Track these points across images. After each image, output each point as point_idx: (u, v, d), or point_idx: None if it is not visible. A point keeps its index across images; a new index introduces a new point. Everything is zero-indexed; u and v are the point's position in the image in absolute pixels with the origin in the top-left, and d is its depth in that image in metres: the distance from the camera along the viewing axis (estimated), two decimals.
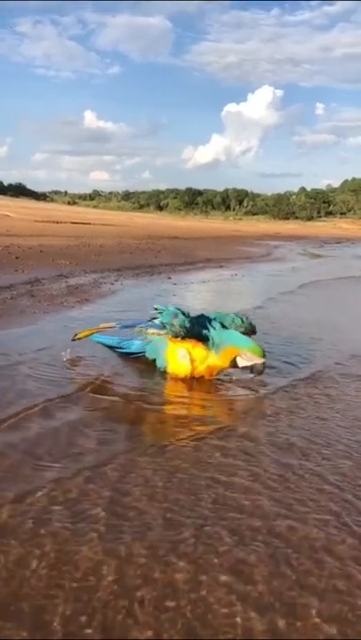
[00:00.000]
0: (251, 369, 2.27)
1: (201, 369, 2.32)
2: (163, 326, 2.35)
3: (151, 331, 2.39)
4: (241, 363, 2.26)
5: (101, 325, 2.67)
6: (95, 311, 3.87)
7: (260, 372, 2.28)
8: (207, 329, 2.34)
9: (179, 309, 2.41)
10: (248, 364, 2.25)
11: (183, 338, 2.31)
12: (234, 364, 2.28)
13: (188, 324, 2.31)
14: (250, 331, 2.44)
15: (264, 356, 2.24)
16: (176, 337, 2.32)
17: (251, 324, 2.47)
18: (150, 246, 10.82)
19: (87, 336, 2.60)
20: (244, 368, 2.28)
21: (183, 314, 2.36)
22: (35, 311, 3.68)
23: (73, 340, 2.60)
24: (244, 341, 2.27)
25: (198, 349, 2.31)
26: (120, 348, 2.67)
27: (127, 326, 2.55)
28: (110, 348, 2.70)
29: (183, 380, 2.34)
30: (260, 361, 2.23)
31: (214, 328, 2.34)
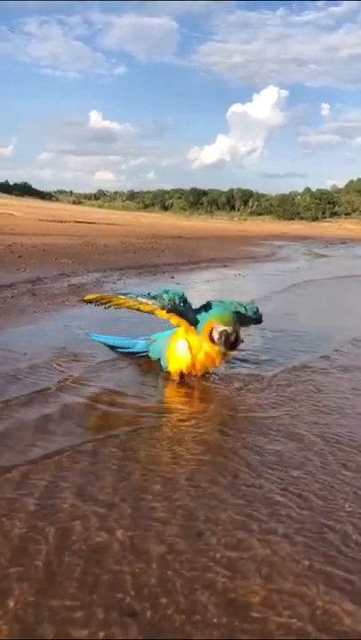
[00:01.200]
0: (219, 337, 2.19)
1: (200, 357, 2.26)
2: (153, 297, 2.32)
3: (141, 299, 2.34)
4: (215, 335, 2.19)
5: (105, 295, 2.62)
6: (94, 311, 3.83)
7: (226, 339, 2.17)
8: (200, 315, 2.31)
9: (176, 292, 2.38)
10: (217, 335, 2.19)
11: (169, 311, 2.26)
12: (214, 340, 2.21)
13: (176, 299, 2.27)
14: (254, 320, 2.41)
15: (228, 324, 2.17)
16: (163, 309, 2.26)
17: (255, 312, 2.42)
18: (154, 246, 10.79)
19: (95, 299, 2.53)
20: (219, 339, 2.19)
21: (178, 295, 2.33)
22: (35, 310, 3.65)
23: (80, 300, 2.62)
24: (214, 313, 2.23)
25: (193, 336, 2.26)
26: (123, 347, 2.64)
27: (122, 294, 2.48)
28: (113, 348, 2.68)
29: (179, 379, 2.31)
30: (223, 328, 2.16)
31: (200, 313, 2.31)
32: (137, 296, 2.36)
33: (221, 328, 2.17)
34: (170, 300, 2.26)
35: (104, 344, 2.70)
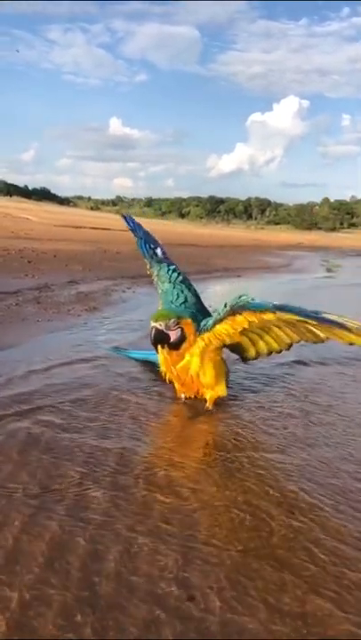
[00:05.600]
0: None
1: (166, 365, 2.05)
2: (151, 256, 2.42)
3: (145, 252, 2.45)
4: None
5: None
6: (93, 326, 3.70)
7: (155, 337, 1.92)
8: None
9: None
10: None
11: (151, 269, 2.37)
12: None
13: (174, 272, 2.32)
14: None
15: (156, 321, 1.92)
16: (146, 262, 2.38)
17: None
18: (168, 254, 10.65)
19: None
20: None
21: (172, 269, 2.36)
22: (38, 319, 3.52)
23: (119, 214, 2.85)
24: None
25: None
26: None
27: (139, 238, 2.58)
28: (149, 362, 2.47)
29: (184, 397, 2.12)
30: (152, 325, 1.93)
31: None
32: (143, 246, 2.48)
33: (151, 325, 1.94)
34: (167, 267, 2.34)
35: (135, 359, 2.52)
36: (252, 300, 1.88)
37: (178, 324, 1.93)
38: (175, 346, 1.95)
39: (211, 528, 1.24)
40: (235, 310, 1.88)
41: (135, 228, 2.63)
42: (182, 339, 1.95)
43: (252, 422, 1.96)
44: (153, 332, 1.93)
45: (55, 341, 3.00)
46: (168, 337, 1.93)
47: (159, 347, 1.95)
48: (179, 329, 1.94)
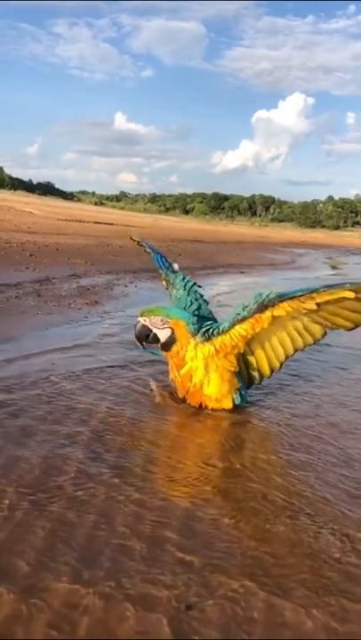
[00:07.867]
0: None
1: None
2: (168, 268, 2.38)
3: (160, 265, 2.42)
4: None
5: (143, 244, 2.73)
6: (93, 320, 3.64)
7: (138, 333, 1.92)
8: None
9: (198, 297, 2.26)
10: None
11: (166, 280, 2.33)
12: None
13: (189, 281, 2.27)
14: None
15: (142, 315, 1.91)
16: (161, 274, 2.36)
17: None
18: (171, 249, 10.57)
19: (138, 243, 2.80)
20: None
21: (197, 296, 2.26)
22: (38, 312, 3.46)
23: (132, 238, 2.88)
24: None
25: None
26: None
27: (151, 250, 2.58)
28: None
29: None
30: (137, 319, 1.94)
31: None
32: (159, 259, 2.45)
33: (137, 319, 1.93)
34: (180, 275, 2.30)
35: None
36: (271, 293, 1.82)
37: (166, 323, 1.88)
38: (165, 346, 1.91)
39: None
40: (265, 305, 1.79)
41: (151, 247, 2.65)
42: (172, 339, 1.89)
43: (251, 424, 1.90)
44: (137, 326, 1.91)
45: (52, 334, 2.95)
46: (154, 334, 1.89)
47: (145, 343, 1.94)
48: (168, 329, 1.89)
